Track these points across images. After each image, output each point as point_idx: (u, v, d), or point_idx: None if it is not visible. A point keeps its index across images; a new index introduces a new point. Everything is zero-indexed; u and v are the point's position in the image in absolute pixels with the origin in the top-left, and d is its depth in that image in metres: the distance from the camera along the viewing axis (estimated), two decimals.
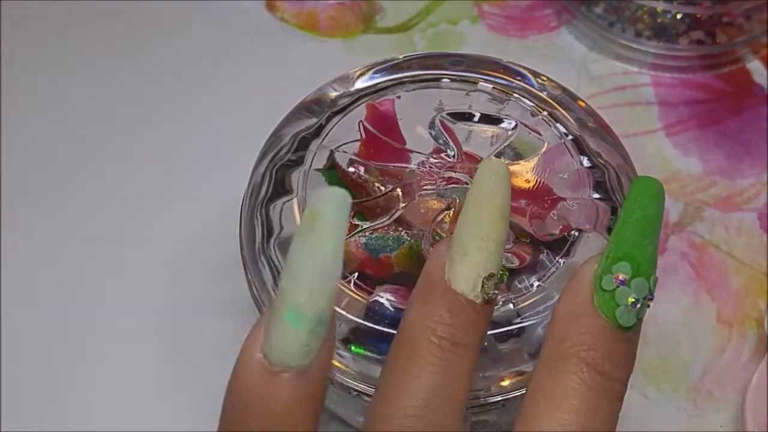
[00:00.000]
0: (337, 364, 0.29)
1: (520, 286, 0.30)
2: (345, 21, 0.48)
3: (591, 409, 0.23)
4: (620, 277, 0.24)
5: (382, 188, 0.32)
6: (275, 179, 0.32)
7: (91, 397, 0.37)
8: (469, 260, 0.24)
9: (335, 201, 0.21)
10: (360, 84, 0.34)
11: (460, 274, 0.24)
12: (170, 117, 0.45)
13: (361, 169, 0.32)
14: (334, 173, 0.32)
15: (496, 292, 0.25)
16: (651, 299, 0.25)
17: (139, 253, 0.41)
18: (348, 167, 0.32)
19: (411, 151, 0.33)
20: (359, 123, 0.33)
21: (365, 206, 0.31)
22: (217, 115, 0.45)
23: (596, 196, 0.32)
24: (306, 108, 0.34)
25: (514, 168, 0.32)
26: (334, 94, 0.34)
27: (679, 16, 0.45)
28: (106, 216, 0.42)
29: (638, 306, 0.24)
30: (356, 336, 0.29)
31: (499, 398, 0.29)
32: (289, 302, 0.21)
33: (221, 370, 0.38)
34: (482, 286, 0.24)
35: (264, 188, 0.32)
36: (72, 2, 0.49)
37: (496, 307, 0.29)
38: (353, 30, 0.48)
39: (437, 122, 0.33)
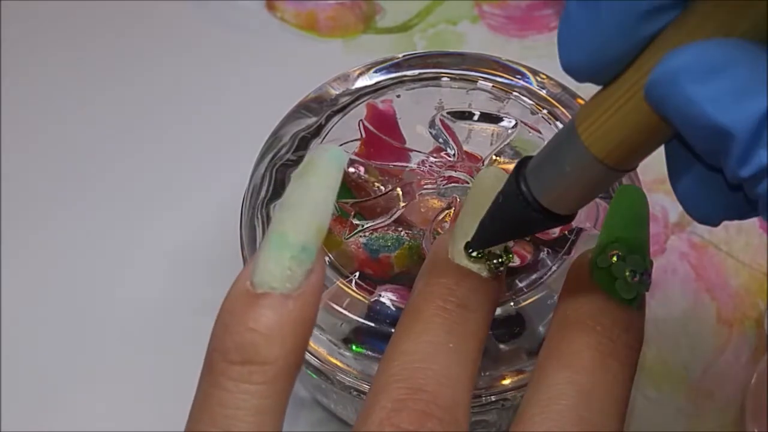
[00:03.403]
0: (337, 363, 0.30)
1: (521, 284, 0.30)
2: (345, 21, 0.48)
3: (601, 369, 0.23)
4: (614, 254, 0.25)
5: (382, 188, 0.32)
6: (275, 179, 0.32)
7: (90, 396, 0.37)
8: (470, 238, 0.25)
9: (330, 152, 0.23)
10: (360, 83, 0.34)
11: (462, 252, 0.25)
12: (170, 117, 0.45)
13: (361, 169, 0.32)
14: None
15: (501, 267, 0.25)
16: (649, 277, 0.25)
17: (139, 253, 0.41)
18: (348, 167, 0.32)
19: (411, 150, 0.33)
20: (359, 122, 0.33)
21: (365, 206, 0.31)
22: (217, 115, 0.45)
23: None
24: (306, 107, 0.34)
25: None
26: (333, 93, 0.34)
27: None
28: (106, 216, 0.42)
29: (636, 279, 0.25)
30: (357, 335, 0.29)
31: (499, 397, 0.29)
32: (275, 229, 0.22)
33: None
34: (485, 261, 0.25)
35: (264, 188, 0.32)
36: (72, 2, 0.49)
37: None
38: (353, 30, 0.48)
39: (437, 121, 0.33)
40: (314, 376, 0.30)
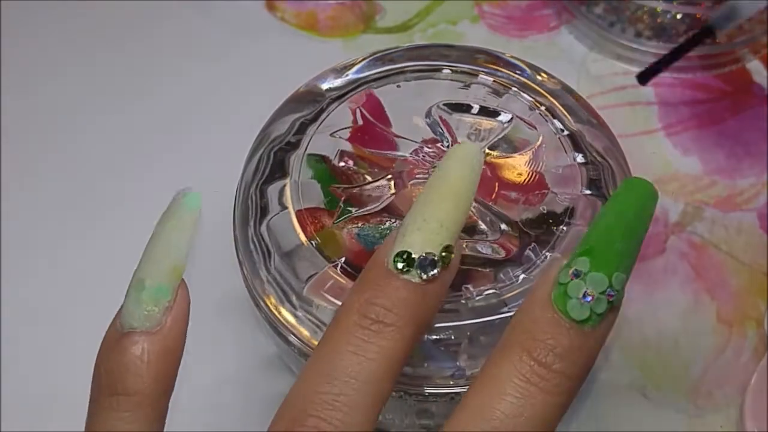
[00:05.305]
0: None
1: (504, 277, 0.30)
2: (345, 21, 0.48)
3: (521, 400, 0.23)
4: (575, 270, 0.24)
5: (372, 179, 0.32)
6: (272, 162, 0.32)
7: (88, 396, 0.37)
8: (406, 241, 0.25)
9: (186, 196, 0.26)
10: (360, 72, 0.34)
11: (394, 254, 0.25)
12: (169, 117, 0.45)
13: (350, 162, 0.32)
14: (324, 166, 0.32)
15: (433, 271, 0.24)
16: (612, 296, 0.24)
17: (138, 252, 0.41)
18: (338, 162, 0.32)
19: (403, 138, 0.33)
20: (355, 109, 0.33)
21: (355, 195, 0.31)
22: (216, 114, 0.45)
23: (588, 192, 0.32)
24: (305, 94, 0.34)
25: (507, 161, 0.32)
26: (334, 80, 0.34)
27: (679, 16, 0.45)
28: (106, 216, 0.42)
29: (591, 300, 0.24)
30: None
31: None
32: (135, 275, 0.25)
33: (220, 368, 0.38)
34: (415, 265, 0.24)
35: (261, 170, 0.32)
36: (72, 2, 0.49)
37: (480, 298, 0.29)
38: (353, 30, 0.48)
39: (434, 112, 0.33)
40: None
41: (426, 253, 0.25)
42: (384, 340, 0.24)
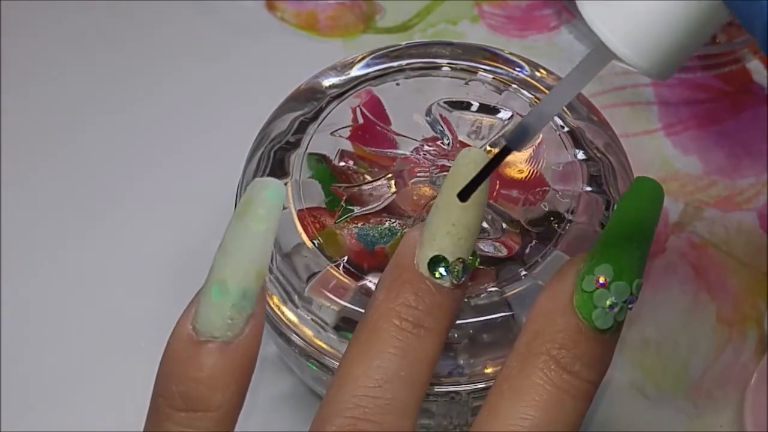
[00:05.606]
0: (324, 345, 0.30)
1: (506, 275, 0.30)
2: (345, 21, 0.48)
3: (553, 407, 0.24)
4: (601, 280, 0.24)
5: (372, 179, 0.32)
6: (272, 161, 0.32)
7: (89, 397, 0.37)
8: (437, 245, 0.25)
9: (269, 190, 0.23)
10: (360, 70, 0.34)
11: (427, 259, 0.25)
12: (169, 116, 0.45)
13: (351, 162, 0.32)
14: (324, 166, 0.32)
15: (464, 277, 0.25)
16: (632, 303, 0.25)
17: (138, 252, 0.41)
18: (339, 161, 0.32)
19: (404, 137, 0.33)
20: (355, 108, 0.33)
21: (355, 195, 0.31)
22: (216, 115, 0.45)
23: (589, 188, 0.32)
24: (305, 92, 0.34)
25: (507, 158, 0.32)
26: (334, 78, 0.34)
27: None
28: (106, 217, 0.42)
29: (616, 309, 0.24)
30: (345, 321, 0.29)
31: (487, 385, 0.29)
32: (216, 277, 0.23)
33: None
34: (449, 271, 0.25)
35: (261, 169, 0.32)
36: (71, 2, 0.49)
37: (483, 296, 0.29)
38: (353, 30, 0.48)
39: (434, 110, 0.33)
40: (314, 368, 0.30)
41: (458, 259, 0.25)
42: (426, 343, 0.24)
